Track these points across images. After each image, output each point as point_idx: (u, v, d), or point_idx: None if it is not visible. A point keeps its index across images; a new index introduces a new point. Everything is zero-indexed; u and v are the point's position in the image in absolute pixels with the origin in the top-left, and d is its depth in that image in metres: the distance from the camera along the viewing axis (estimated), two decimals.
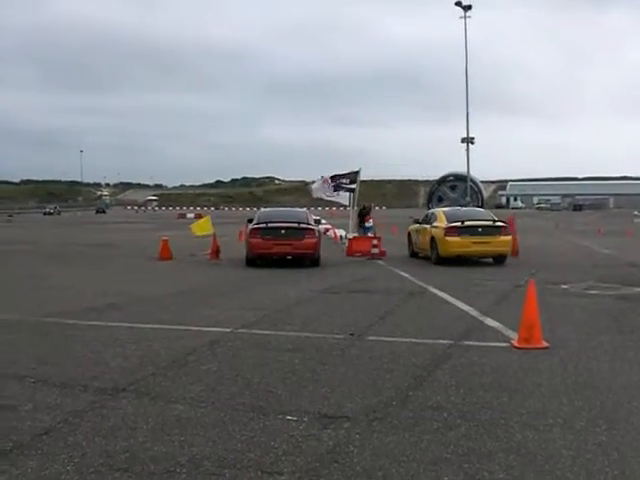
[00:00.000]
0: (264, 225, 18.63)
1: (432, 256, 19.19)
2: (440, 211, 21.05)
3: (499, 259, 18.93)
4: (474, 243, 18.34)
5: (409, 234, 22.36)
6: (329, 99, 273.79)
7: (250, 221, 19.58)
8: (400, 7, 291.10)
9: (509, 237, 19.19)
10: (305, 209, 24.21)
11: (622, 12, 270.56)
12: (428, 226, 19.89)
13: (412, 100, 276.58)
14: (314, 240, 18.60)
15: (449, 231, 18.45)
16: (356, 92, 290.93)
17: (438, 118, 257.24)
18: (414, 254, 21.50)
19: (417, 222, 21.43)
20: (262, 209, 23.08)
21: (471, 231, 18.49)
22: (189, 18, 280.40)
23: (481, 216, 20.44)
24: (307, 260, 18.66)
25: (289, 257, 18.61)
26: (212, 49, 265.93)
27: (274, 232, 18.30)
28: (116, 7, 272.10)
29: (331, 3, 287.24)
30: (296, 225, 18.70)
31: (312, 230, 18.83)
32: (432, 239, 19.17)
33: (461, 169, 52.20)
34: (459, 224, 18.62)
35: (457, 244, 18.31)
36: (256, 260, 18.59)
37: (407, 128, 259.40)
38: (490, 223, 19.23)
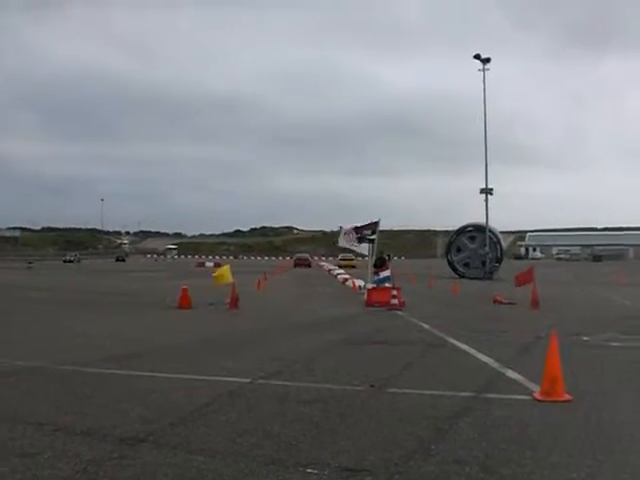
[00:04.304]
0: (297, 258, 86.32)
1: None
2: (342, 253, 68.12)
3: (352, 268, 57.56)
4: (346, 265, 63.82)
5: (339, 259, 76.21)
6: (337, 149, 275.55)
7: (292, 257, 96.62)
8: (399, 55, 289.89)
9: (353, 260, 66.46)
10: (307, 254, 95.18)
11: (618, 60, 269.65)
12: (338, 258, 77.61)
13: (421, 150, 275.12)
14: (310, 261, 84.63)
15: (341, 259, 73.92)
16: (362, 142, 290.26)
17: (451, 168, 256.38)
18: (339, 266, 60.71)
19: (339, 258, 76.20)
20: (297, 254, 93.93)
21: (346, 259, 69.42)
22: (192, 69, 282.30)
23: (351, 255, 63.21)
24: (308, 267, 76.86)
25: (303, 267, 75.52)
26: (217, 99, 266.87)
27: (299, 260, 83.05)
28: (119, 57, 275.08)
29: (329, 53, 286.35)
30: (305, 258, 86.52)
31: (309, 259, 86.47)
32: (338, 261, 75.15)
33: (479, 219, 51.80)
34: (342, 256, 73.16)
35: (344, 263, 66.42)
36: (296, 267, 75.65)
37: (420, 178, 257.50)
38: (353, 257, 60.94)
